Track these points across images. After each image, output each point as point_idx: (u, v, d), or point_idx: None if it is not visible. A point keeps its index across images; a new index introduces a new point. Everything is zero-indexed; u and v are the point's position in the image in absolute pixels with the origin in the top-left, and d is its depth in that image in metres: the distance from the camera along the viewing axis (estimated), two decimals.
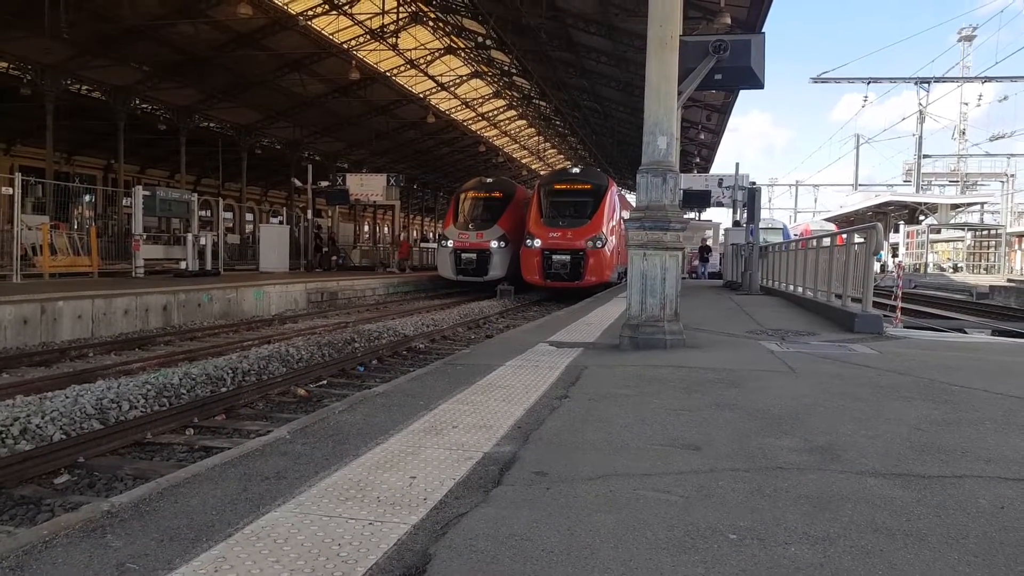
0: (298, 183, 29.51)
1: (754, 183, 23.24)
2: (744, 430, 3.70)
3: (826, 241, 11.62)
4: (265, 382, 8.46)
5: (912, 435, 3.65)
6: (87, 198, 38.27)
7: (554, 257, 21.53)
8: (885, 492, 2.83)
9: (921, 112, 49.13)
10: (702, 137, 33.71)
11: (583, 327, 9.06)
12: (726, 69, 8.96)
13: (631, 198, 31.38)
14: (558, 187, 23.40)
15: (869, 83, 48.06)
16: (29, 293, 11.91)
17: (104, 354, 10.80)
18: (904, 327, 12.51)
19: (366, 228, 53.91)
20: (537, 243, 21.72)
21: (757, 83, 9.41)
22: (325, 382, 9.02)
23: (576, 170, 25.54)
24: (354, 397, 4.51)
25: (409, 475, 2.99)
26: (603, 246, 21.46)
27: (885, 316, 14.60)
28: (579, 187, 23.13)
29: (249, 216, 49.61)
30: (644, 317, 6.76)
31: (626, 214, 23.76)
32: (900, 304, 12.86)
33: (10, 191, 20.19)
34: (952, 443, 3.51)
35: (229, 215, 47.48)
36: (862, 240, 9.20)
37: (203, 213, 46.13)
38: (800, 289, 13.40)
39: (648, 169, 6.81)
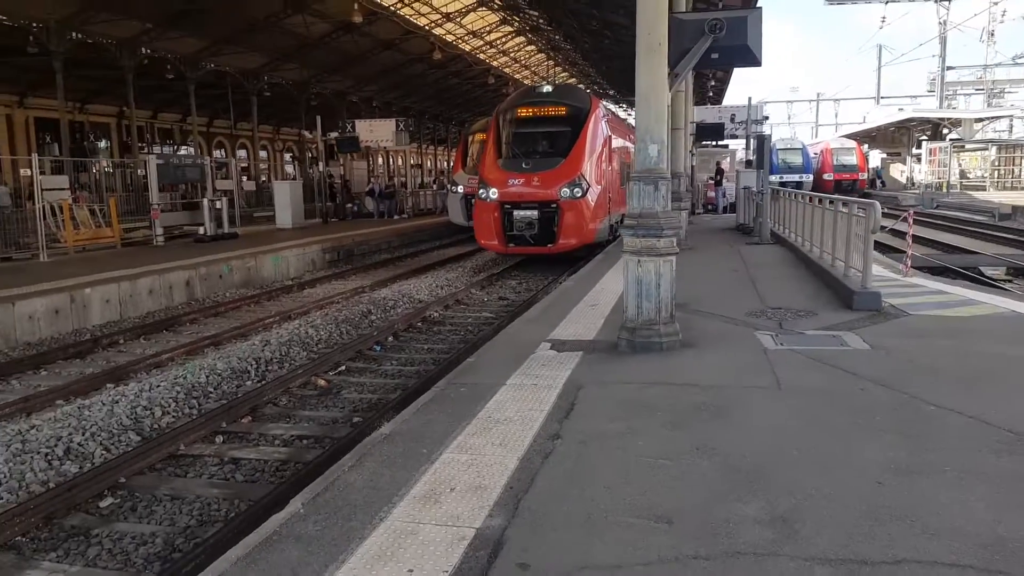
0: (308, 135, 29.47)
1: (767, 117, 22.91)
2: (715, 491, 4.04)
3: (828, 204, 11.69)
4: (286, 376, 8.94)
5: (872, 493, 3.94)
6: (103, 143, 38.72)
7: (516, 213, 15.88)
8: None
9: (943, 22, 47.18)
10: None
11: (588, 312, 9.36)
12: (723, 48, 8.89)
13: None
14: (522, 113, 17.26)
15: (887, 2, 46.04)
16: (58, 279, 12.44)
17: (134, 339, 11.37)
18: (914, 268, 12.63)
19: (380, 161, 53.61)
20: (494, 194, 16.01)
21: (754, 61, 9.33)
22: (344, 368, 9.56)
23: (547, 88, 18.35)
24: (361, 447, 4.91)
25: (407, 568, 3.38)
26: (584, 194, 15.84)
27: (895, 257, 14.69)
28: (550, 112, 17.19)
29: (263, 154, 49.70)
30: (640, 321, 7.06)
31: (628, 145, 19.62)
32: (911, 252, 12.94)
33: (28, 172, 20.52)
34: (905, 505, 3.79)
35: (243, 153, 47.68)
36: (862, 214, 9.29)
37: (218, 153, 46.32)
38: (807, 244, 13.52)
39: (640, 177, 6.96)
